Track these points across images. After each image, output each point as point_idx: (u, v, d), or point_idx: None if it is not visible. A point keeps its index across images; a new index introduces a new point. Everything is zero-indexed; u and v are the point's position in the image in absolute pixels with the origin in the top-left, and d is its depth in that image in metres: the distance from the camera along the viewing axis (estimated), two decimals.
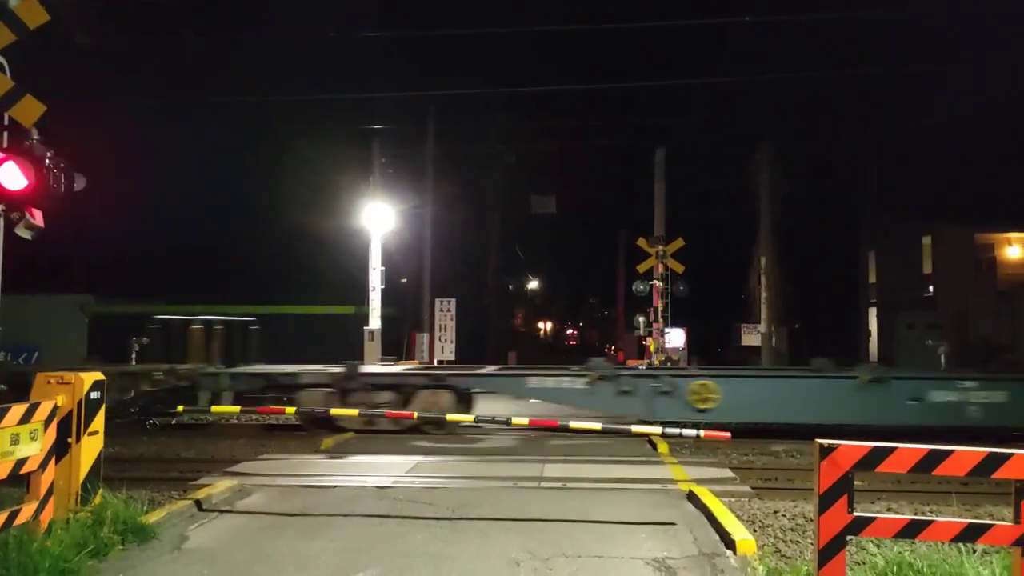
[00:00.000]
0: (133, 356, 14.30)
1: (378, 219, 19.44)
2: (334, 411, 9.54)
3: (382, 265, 19.23)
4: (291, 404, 12.25)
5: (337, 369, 12.82)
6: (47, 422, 5.05)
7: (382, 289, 19.16)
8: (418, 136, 21.93)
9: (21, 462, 4.81)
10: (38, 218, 6.63)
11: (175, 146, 27.08)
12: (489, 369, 14.20)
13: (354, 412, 9.90)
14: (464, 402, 12.79)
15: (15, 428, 4.74)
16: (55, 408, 5.18)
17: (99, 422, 5.65)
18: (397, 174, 21.03)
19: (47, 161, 6.40)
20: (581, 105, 32.07)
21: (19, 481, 4.99)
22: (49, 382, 5.46)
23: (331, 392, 12.40)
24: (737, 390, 12.27)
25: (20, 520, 4.74)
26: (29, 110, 6.37)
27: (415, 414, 10.56)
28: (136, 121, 22.49)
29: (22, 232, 6.56)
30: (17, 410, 4.76)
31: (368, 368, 13.86)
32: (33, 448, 4.91)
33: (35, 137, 6.50)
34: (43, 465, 5.01)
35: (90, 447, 5.54)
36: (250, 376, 13.02)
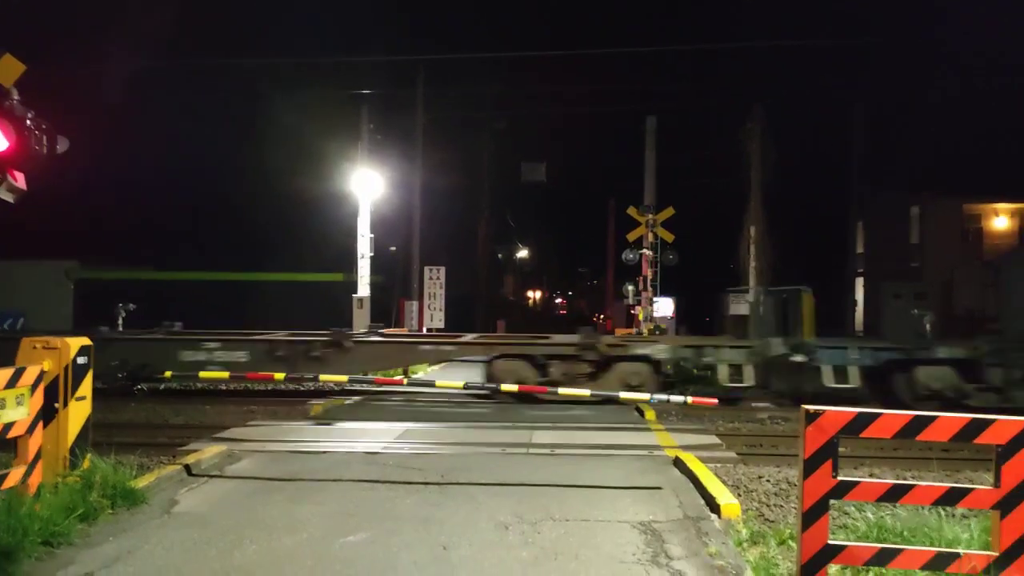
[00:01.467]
0: (120, 322, 14.11)
1: (367, 186, 19.28)
2: (324, 376, 9.53)
3: (371, 232, 19.13)
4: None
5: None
6: (33, 387, 5.03)
7: (371, 257, 19.09)
8: (408, 102, 21.66)
9: (8, 427, 4.80)
10: (20, 181, 6.51)
11: (160, 110, 26.70)
12: None
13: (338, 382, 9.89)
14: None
15: (1, 393, 4.71)
16: (42, 373, 5.15)
17: (86, 387, 5.62)
18: (386, 140, 20.78)
19: (28, 122, 6.26)
20: (572, 72, 31.80)
21: (7, 446, 4.98)
22: (35, 347, 5.41)
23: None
24: None
25: (8, 484, 4.74)
26: (8, 69, 6.21)
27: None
28: (121, 84, 22.10)
29: (3, 195, 6.44)
30: (2, 375, 4.74)
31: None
32: (20, 413, 4.89)
33: (15, 98, 6.35)
34: (30, 429, 4.99)
35: (78, 412, 5.52)
36: (875, 350, 12.22)
